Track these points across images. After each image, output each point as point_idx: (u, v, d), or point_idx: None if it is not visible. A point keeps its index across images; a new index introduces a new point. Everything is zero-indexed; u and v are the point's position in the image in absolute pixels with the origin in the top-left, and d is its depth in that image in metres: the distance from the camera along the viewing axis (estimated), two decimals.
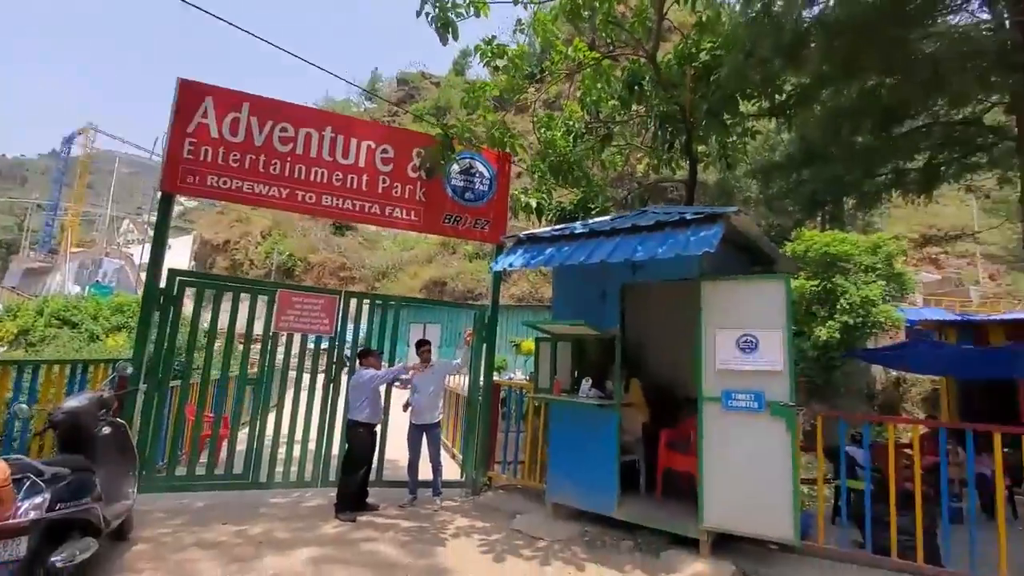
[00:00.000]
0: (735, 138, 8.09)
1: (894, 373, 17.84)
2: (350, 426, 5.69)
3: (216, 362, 7.71)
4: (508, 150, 7.04)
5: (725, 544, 4.65)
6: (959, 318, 10.29)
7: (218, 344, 8.17)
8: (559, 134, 7.25)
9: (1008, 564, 3.99)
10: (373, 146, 6.58)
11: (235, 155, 6.02)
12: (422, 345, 6.30)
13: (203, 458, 6.41)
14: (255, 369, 7.48)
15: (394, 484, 6.38)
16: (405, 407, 6.20)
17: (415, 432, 6.07)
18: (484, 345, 6.75)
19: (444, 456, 9.02)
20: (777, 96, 7.32)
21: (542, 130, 7.29)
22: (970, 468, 4.57)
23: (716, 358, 4.59)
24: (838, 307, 14.13)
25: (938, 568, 4.21)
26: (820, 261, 14.61)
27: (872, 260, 15.24)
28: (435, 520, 5.57)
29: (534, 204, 7.75)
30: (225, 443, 6.31)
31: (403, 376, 6.21)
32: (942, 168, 8.33)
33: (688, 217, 4.63)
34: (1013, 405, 8.15)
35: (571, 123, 7.62)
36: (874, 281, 14.69)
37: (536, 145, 7.49)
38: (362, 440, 5.54)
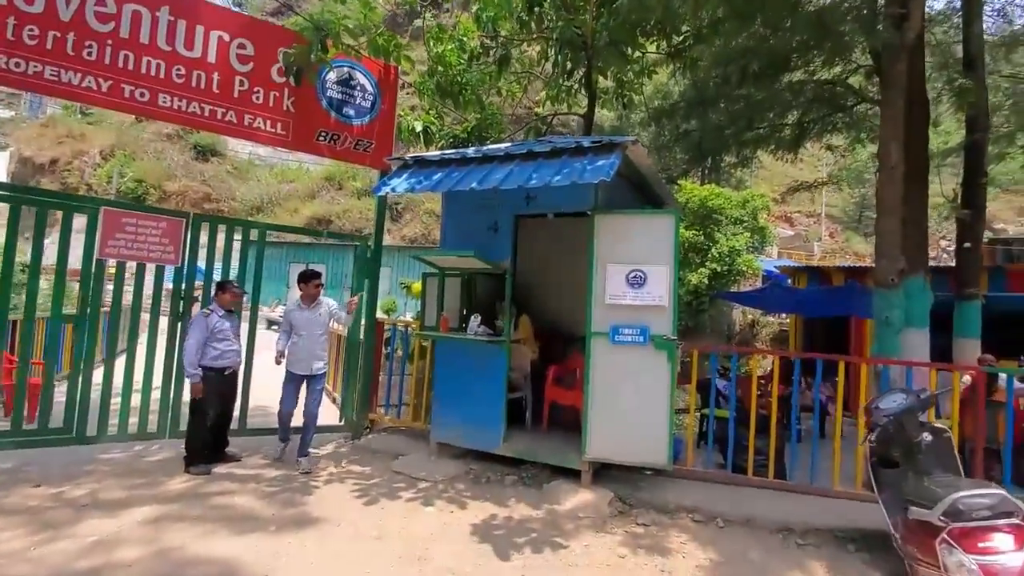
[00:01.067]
0: (632, 76, 7.97)
1: (750, 316, 20.03)
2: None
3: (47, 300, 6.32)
4: (394, 62, 6.25)
5: (604, 473, 4.77)
6: (806, 267, 11.55)
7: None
8: (450, 48, 6.57)
9: (840, 475, 4.50)
10: (227, 38, 5.46)
11: (32, 30, 4.65)
12: (311, 278, 5.28)
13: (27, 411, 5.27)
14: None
15: (263, 432, 5.77)
16: (279, 359, 5.23)
17: (293, 381, 5.23)
18: (367, 281, 6.17)
19: (324, 402, 8.48)
20: (675, 36, 7.23)
21: (431, 43, 6.55)
22: (816, 395, 5.05)
23: (606, 292, 4.52)
24: (709, 255, 15.29)
25: (784, 481, 4.64)
26: (698, 212, 15.56)
27: (741, 213, 16.58)
28: None
29: (420, 128, 7.09)
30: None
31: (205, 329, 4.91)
32: (810, 123, 8.95)
33: (586, 145, 4.38)
34: (847, 340, 9.35)
35: (465, 40, 6.95)
36: (741, 233, 16.03)
37: (431, 66, 6.74)
38: (209, 384, 4.82)
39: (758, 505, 4.34)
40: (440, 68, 6.52)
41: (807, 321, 10.39)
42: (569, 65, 6.03)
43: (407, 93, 7.26)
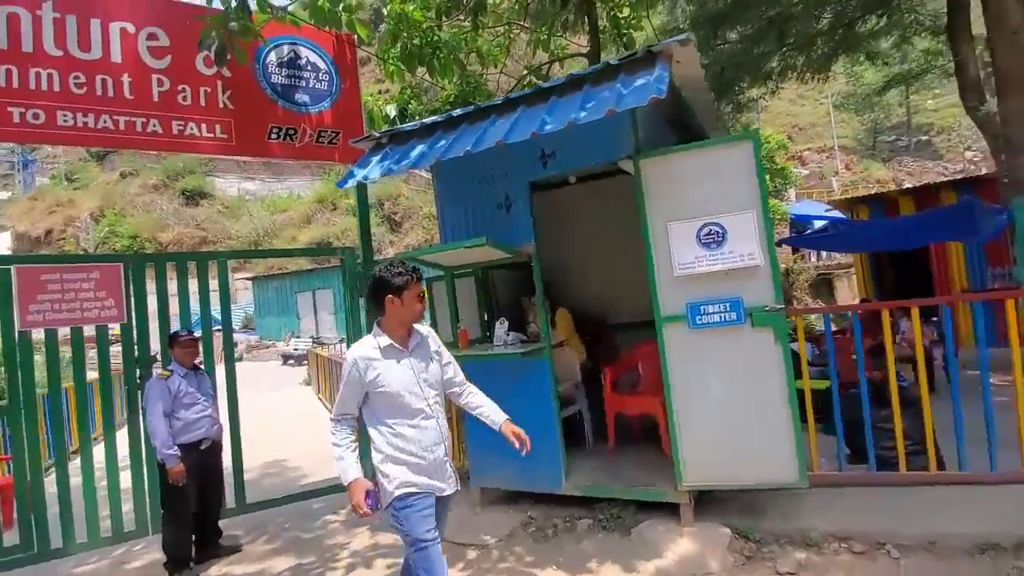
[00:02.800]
0: (630, 9, 6.70)
1: (782, 264, 18.58)
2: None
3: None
4: (347, 30, 5.07)
5: (706, 499, 3.59)
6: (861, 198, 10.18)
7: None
8: (414, 7, 5.36)
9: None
10: (131, 30, 4.32)
11: None
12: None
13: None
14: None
15: (269, 504, 4.68)
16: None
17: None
18: (360, 298, 5.03)
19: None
20: None
21: (388, 1, 5.34)
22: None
23: (674, 261, 3.31)
24: None
25: (956, 473, 3.41)
26: None
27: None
28: (323, 545, 4.03)
29: (393, 112, 5.90)
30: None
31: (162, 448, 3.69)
32: (847, 27, 7.58)
33: (614, 63, 3.17)
34: (924, 275, 8.02)
35: None
36: None
37: (392, 28, 5.54)
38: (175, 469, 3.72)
39: (935, 515, 3.13)
40: (405, 30, 5.31)
41: (873, 259, 9.05)
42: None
43: (372, 70, 6.05)
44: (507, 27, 6.58)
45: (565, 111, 3.02)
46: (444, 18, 5.86)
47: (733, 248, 3.20)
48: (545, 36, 5.55)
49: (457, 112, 3.65)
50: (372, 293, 2.30)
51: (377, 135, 3.93)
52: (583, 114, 2.86)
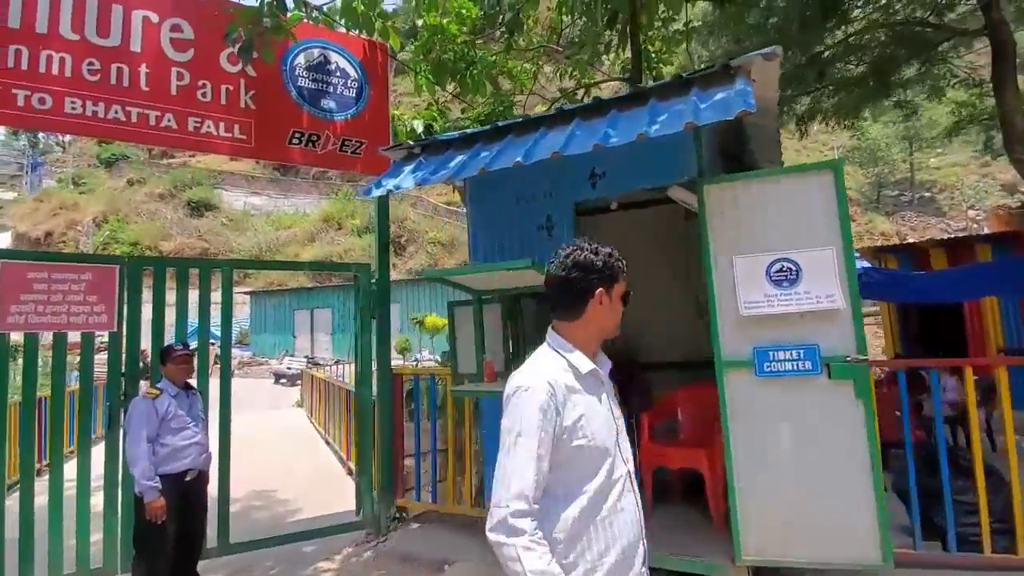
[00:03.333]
0: (661, 44, 6.54)
1: None
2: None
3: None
4: (380, 38, 4.84)
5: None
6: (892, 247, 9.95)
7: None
8: (450, 20, 5.15)
9: None
10: (155, 19, 4.06)
11: None
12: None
13: None
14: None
15: (257, 544, 4.18)
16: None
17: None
18: (374, 320, 4.64)
19: (339, 474, 6.88)
20: None
21: (424, 12, 5.12)
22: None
23: (739, 299, 2.94)
24: None
25: None
26: None
27: None
28: None
29: (420, 128, 5.63)
30: None
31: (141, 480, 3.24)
32: (882, 72, 7.44)
33: (687, 76, 2.87)
34: (953, 329, 7.68)
35: (463, 12, 5.54)
36: None
37: (426, 39, 5.32)
38: (164, 498, 3.27)
39: None
40: (439, 43, 5.09)
41: (900, 310, 8.72)
42: (605, 13, 4.56)
43: (397, 88, 5.80)
44: (538, 50, 6.39)
45: (632, 124, 2.71)
46: (477, 36, 5.65)
47: (809, 288, 2.84)
48: (585, 57, 5.33)
49: (501, 123, 3.34)
50: (567, 284, 1.39)
51: (410, 144, 3.62)
52: (655, 127, 2.54)
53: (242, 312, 29.03)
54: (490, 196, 3.74)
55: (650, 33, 6.46)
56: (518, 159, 2.81)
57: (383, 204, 4.57)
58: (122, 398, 3.90)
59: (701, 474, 3.49)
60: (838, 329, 2.81)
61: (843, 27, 6.83)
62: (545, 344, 1.44)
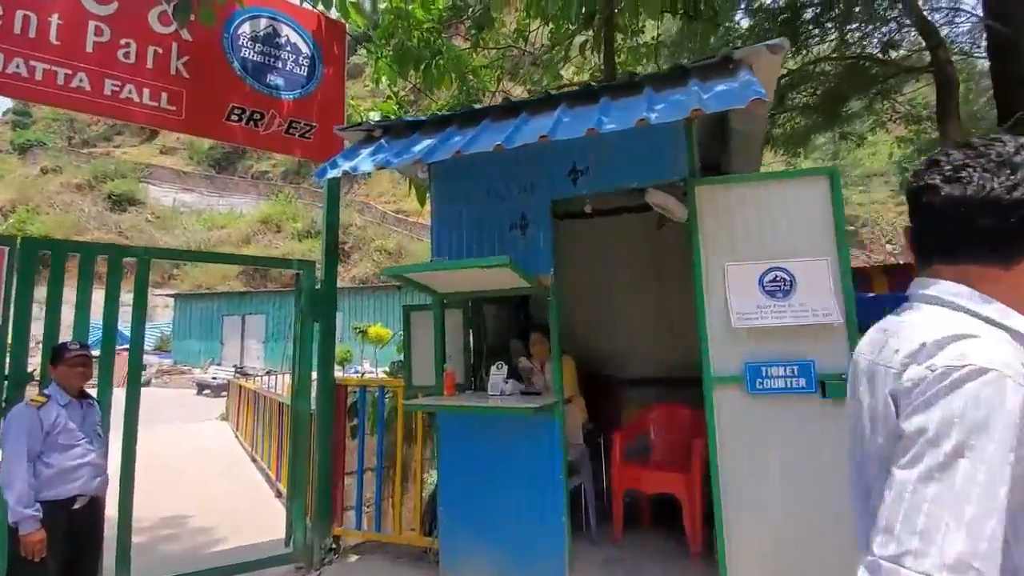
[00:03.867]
0: (628, 56, 6.47)
1: None
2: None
3: None
4: (338, 13, 4.42)
5: None
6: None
7: None
8: (415, 4, 4.79)
9: None
10: None
11: None
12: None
13: None
14: None
15: None
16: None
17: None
18: (317, 325, 4.13)
19: (267, 497, 6.16)
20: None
21: None
22: None
23: (731, 309, 2.72)
24: None
25: None
26: None
27: None
28: None
29: (376, 119, 5.22)
30: None
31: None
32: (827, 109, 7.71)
33: (685, 66, 2.65)
34: None
35: None
36: None
37: (388, 22, 4.93)
38: (50, 529, 2.65)
39: None
40: (402, 27, 4.72)
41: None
42: (583, 7, 4.35)
43: (352, 91, 5.37)
44: (507, 49, 6.14)
45: (627, 112, 2.44)
46: (443, 28, 5.32)
47: (804, 300, 2.66)
48: (560, 56, 5.12)
49: (478, 107, 3.01)
50: (1013, 206, 0.78)
51: (370, 125, 3.21)
52: (655, 115, 2.29)
53: (164, 316, 26.90)
54: (457, 191, 3.38)
55: (616, 44, 6.37)
56: (499, 142, 2.48)
57: (333, 194, 4.11)
58: (2, 406, 3.21)
59: (676, 499, 3.23)
60: (833, 345, 2.63)
61: (800, 55, 7.03)
62: (937, 305, 0.84)
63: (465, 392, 3.48)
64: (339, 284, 4.97)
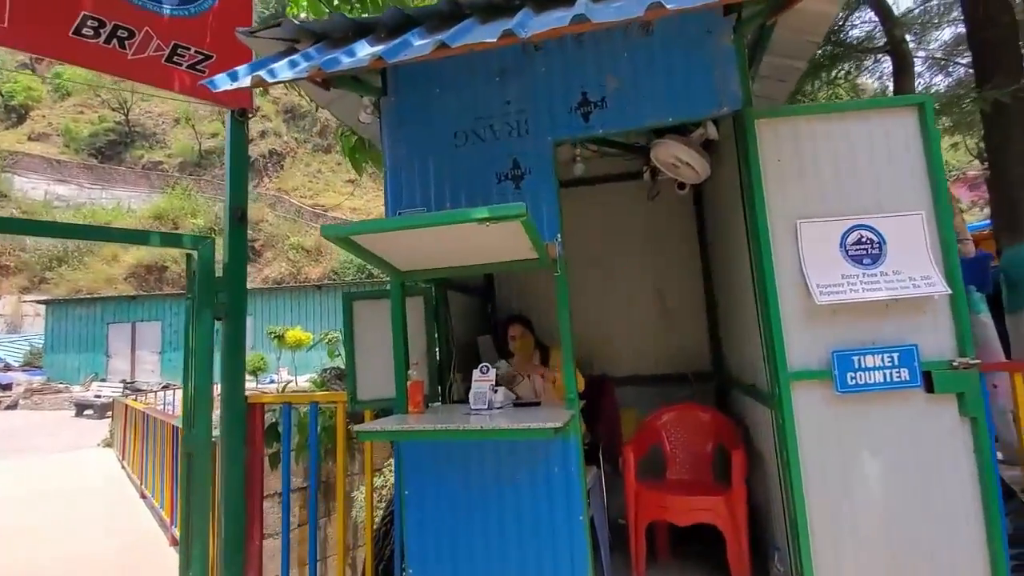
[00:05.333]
0: None
1: None
2: None
3: None
4: None
5: None
6: None
7: None
8: None
9: None
10: None
11: None
12: None
13: None
14: None
15: None
16: None
17: None
18: (221, 323, 3.03)
19: (159, 545, 4.81)
20: None
21: None
22: None
23: (810, 281, 2.04)
24: None
25: None
26: None
27: None
28: None
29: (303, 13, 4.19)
30: None
31: None
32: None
33: None
34: None
35: None
36: None
37: None
38: None
39: None
40: None
41: None
42: None
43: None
44: None
45: None
46: None
47: (899, 267, 2.03)
48: None
49: (443, 5, 2.11)
50: None
51: (293, 27, 2.21)
52: None
53: (36, 326, 23.15)
54: (420, 134, 2.46)
55: None
56: (508, 28, 1.62)
57: (238, 139, 3.05)
58: None
59: (712, 527, 2.53)
60: (937, 324, 2.03)
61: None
62: None
63: (434, 407, 2.58)
64: (250, 285, 3.88)
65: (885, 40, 6.48)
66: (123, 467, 8.49)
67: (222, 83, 1.89)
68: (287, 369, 15.96)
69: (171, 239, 3.34)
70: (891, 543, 1.96)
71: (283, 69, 1.87)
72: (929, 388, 1.98)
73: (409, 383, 2.36)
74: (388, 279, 2.49)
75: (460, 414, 2.20)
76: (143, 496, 6.55)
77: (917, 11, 7.70)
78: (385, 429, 1.96)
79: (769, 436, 2.38)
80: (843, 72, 7.16)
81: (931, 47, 8.70)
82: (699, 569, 2.73)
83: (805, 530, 1.95)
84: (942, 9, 7.40)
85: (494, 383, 2.34)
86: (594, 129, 2.30)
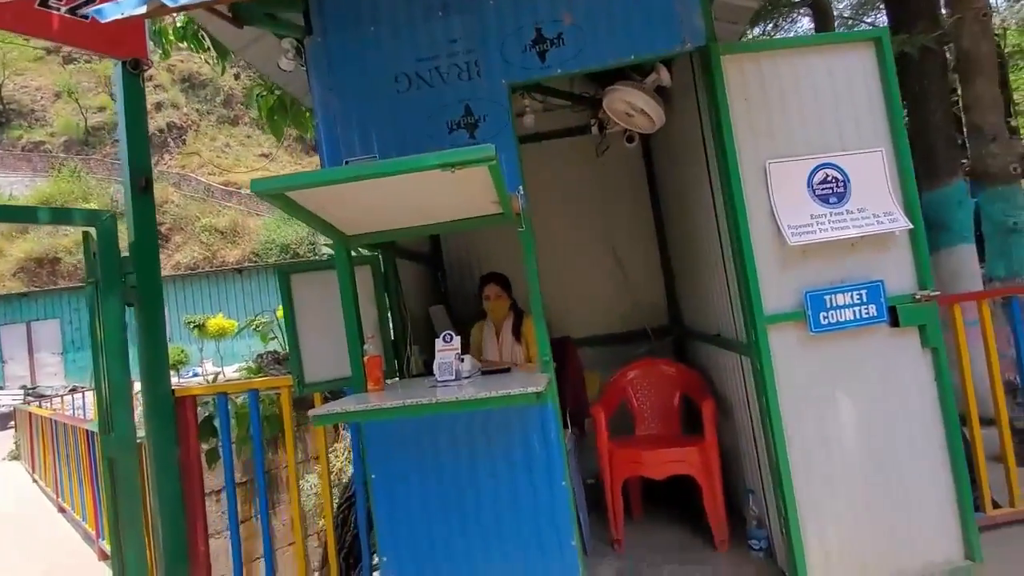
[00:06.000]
0: None
1: None
2: None
3: None
4: None
5: None
6: None
7: None
8: None
9: None
10: None
11: None
12: None
13: None
14: None
15: None
16: None
17: None
18: (130, 309, 2.63)
19: (87, 560, 4.32)
20: None
21: None
22: None
23: (781, 222, 2.00)
24: None
25: None
26: None
27: None
28: None
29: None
30: None
31: None
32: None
33: None
34: None
35: None
36: None
37: None
38: None
39: None
40: None
41: None
42: None
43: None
44: None
45: None
46: None
47: (864, 204, 2.03)
48: None
49: None
50: None
51: None
52: None
53: None
54: (355, 79, 2.17)
55: None
56: None
57: (133, 95, 2.62)
58: None
59: (686, 480, 2.52)
60: (899, 259, 2.06)
61: None
62: None
63: (392, 382, 2.38)
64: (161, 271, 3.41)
65: None
66: (35, 480, 7.63)
67: (111, 12, 1.53)
68: (211, 361, 14.92)
69: (61, 214, 2.88)
70: (866, 474, 2.01)
71: None
72: (894, 322, 2.01)
73: (366, 358, 2.14)
74: (324, 253, 2.23)
75: (426, 387, 2.02)
76: (61, 510, 5.90)
77: None
78: (347, 410, 1.74)
79: (737, 383, 2.39)
80: (771, 26, 7.32)
81: (842, 6, 9.08)
82: (675, 521, 2.74)
83: (787, 471, 1.96)
84: None
85: (459, 351, 2.17)
86: (552, 69, 2.12)
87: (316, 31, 2.20)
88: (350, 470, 3.60)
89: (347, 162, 1.65)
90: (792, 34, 9.13)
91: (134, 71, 2.78)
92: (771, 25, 7.81)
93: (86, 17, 2.68)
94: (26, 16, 2.56)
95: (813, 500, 1.98)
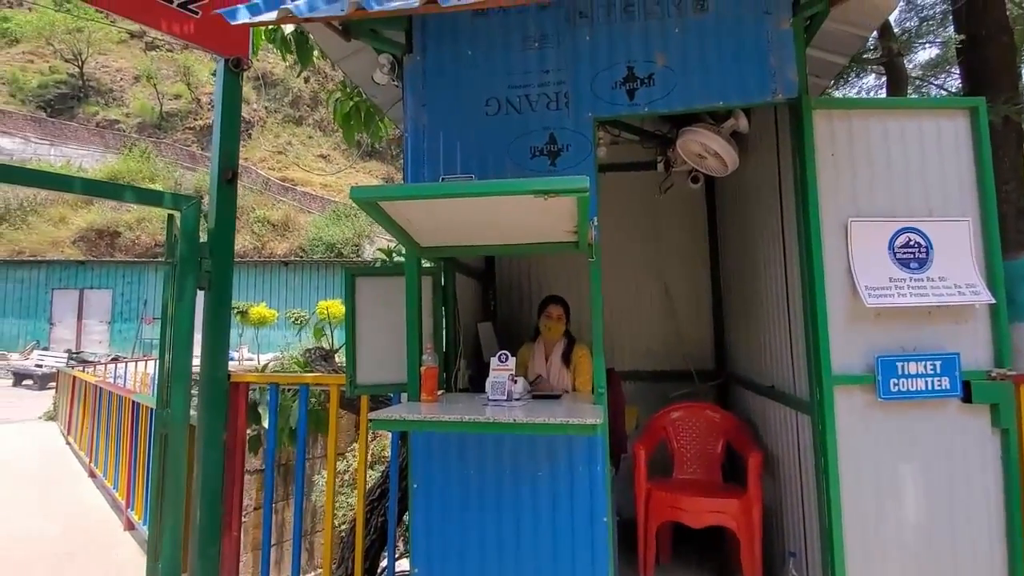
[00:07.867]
0: None
1: None
2: None
3: None
4: None
5: None
6: None
7: None
8: None
9: None
10: None
11: None
12: None
13: None
14: None
15: None
16: None
17: None
18: (203, 292, 2.77)
19: (112, 528, 4.43)
20: None
21: None
22: None
23: (859, 283, 1.97)
24: None
25: None
26: None
27: None
28: None
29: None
30: None
31: None
32: None
33: None
34: None
35: None
36: None
37: None
38: None
39: None
40: None
41: None
42: None
43: None
44: None
45: None
46: None
47: (945, 273, 1.98)
48: None
49: None
50: None
51: None
52: None
53: None
54: (447, 99, 2.26)
55: None
56: None
57: (231, 92, 2.78)
58: None
59: (723, 531, 2.46)
60: (977, 333, 2.00)
61: None
62: None
63: (441, 395, 2.41)
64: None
65: (881, 54, 6.57)
66: (68, 442, 7.94)
67: (241, 15, 1.65)
68: (247, 347, 15.35)
69: (151, 196, 3.04)
70: (918, 553, 1.92)
71: (317, 2, 1.64)
72: (966, 398, 1.94)
73: (423, 368, 2.18)
74: (348, 261, 2.30)
75: (478, 404, 2.04)
76: (92, 475, 6.11)
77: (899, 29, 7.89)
78: (406, 418, 1.78)
79: (790, 440, 2.33)
80: (843, 83, 7.26)
81: (910, 67, 8.94)
82: (704, 572, 2.66)
83: (840, 539, 1.89)
84: (934, 25, 7.57)
85: (513, 372, 2.20)
86: (639, 108, 2.16)
87: (416, 49, 2.31)
88: (366, 472, 3.63)
89: (443, 179, 1.72)
90: (857, 90, 9.01)
91: (236, 69, 2.97)
92: (841, 80, 7.75)
93: (196, 12, 2.89)
94: (139, 4, 2.77)
95: (863, 571, 1.90)
